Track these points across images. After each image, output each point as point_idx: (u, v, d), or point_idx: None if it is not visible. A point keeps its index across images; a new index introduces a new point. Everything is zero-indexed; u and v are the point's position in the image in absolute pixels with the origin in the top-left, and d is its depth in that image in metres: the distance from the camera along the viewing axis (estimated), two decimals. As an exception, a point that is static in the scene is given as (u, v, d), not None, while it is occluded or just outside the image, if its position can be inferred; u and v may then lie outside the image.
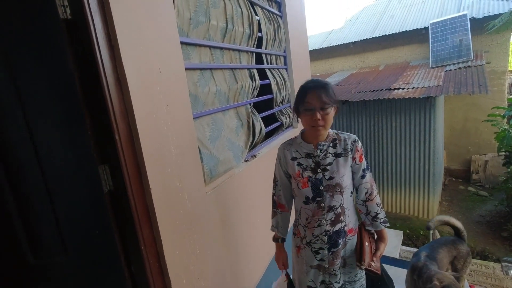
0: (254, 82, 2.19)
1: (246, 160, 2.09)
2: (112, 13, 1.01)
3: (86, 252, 1.15)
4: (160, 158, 1.20)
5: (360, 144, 1.36)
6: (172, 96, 1.28)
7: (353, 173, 1.36)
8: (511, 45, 6.67)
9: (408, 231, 5.59)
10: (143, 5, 1.14)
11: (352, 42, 8.60)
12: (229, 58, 1.93)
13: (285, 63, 2.90)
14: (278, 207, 1.49)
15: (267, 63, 2.51)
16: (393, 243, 4.53)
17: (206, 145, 1.63)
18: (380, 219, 1.38)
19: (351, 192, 1.38)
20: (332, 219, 1.34)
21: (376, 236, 1.43)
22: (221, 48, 1.83)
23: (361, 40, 8.41)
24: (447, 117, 7.34)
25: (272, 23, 2.54)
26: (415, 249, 4.54)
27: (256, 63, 2.31)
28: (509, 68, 6.99)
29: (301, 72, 3.20)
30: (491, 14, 6.54)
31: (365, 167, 1.37)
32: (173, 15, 1.32)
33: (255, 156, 2.19)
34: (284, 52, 2.88)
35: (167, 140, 1.24)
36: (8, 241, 1.15)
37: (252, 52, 2.20)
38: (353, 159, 1.34)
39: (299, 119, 1.36)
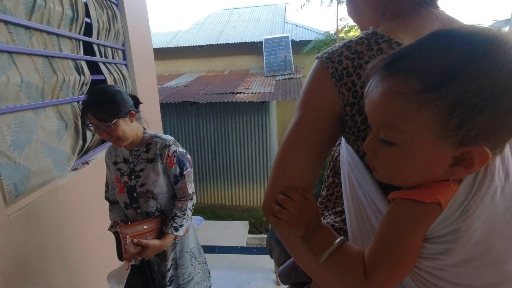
0: (82, 76, 1.84)
1: (75, 169, 1.74)
2: None
3: None
4: None
5: (173, 149, 1.28)
6: None
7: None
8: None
9: (253, 220, 6.33)
10: None
11: (199, 45, 8.88)
12: (42, 42, 1.53)
13: (124, 58, 2.62)
14: (115, 203, 1.44)
15: (101, 56, 2.18)
16: (241, 233, 5.02)
17: (6, 153, 1.22)
18: (175, 222, 1.29)
19: (173, 195, 1.37)
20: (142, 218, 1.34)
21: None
22: (28, 28, 1.42)
23: (207, 44, 8.82)
24: (279, 118, 8.82)
25: (105, 10, 2.23)
26: (261, 235, 5.21)
27: (85, 55, 1.95)
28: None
29: (144, 69, 2.99)
30: (304, 39, 8.35)
31: (177, 174, 1.30)
32: None
33: (87, 163, 1.85)
34: (123, 45, 2.59)
35: None
36: None
37: (78, 39, 1.84)
38: (163, 164, 1.29)
39: None
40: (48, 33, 1.57)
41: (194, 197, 1.37)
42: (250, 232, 5.48)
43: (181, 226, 1.31)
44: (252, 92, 6.28)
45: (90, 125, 1.17)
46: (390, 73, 0.39)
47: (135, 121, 1.27)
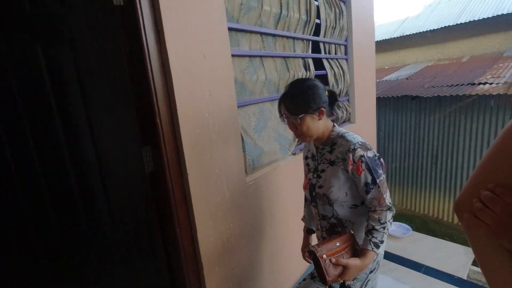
0: (308, 72, 2.08)
1: (294, 153, 2.01)
2: (160, 1, 1.02)
3: (128, 225, 1.23)
4: (199, 144, 1.20)
5: (359, 154, 1.11)
6: (215, 82, 1.26)
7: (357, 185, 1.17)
8: None
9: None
10: (191, -10, 1.14)
11: (430, 30, 7.63)
12: (281, 46, 1.85)
13: (346, 53, 2.69)
14: (306, 199, 1.44)
15: (325, 53, 2.35)
16: (461, 260, 3.98)
17: (250, 134, 1.60)
18: (374, 237, 1.11)
19: (356, 206, 1.19)
20: (327, 227, 1.25)
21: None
22: (274, 35, 1.76)
23: (441, 27, 7.40)
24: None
25: (333, 9, 2.37)
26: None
27: (312, 52, 2.18)
28: None
29: (364, 63, 2.94)
30: None
31: (368, 182, 1.11)
32: (223, 3, 1.29)
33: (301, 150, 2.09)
34: (345, 41, 2.67)
35: (208, 126, 1.24)
36: (67, 209, 1.29)
37: (308, 40, 2.08)
38: (347, 171, 1.13)
39: None
40: (287, 37, 1.88)
41: (393, 207, 1.16)
42: (475, 263, 4.24)
43: (382, 242, 1.12)
44: (505, 82, 4.67)
45: (282, 115, 1.18)
46: None
47: (326, 118, 1.18)
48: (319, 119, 1.14)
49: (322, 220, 1.25)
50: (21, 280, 1.48)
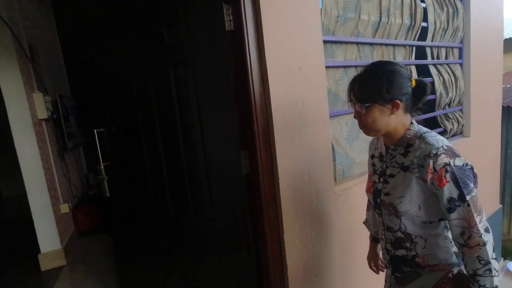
0: (410, 80, 1.93)
1: (389, 167, 1.89)
2: (263, 22, 1.16)
3: (227, 218, 1.40)
4: (291, 151, 1.29)
5: (442, 161, 0.88)
6: (309, 93, 1.33)
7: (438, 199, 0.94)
8: None
9: None
10: (290, 11, 1.25)
11: None
12: (380, 54, 1.78)
13: (460, 57, 2.36)
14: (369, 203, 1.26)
15: (432, 58, 2.14)
16: None
17: (341, 144, 1.60)
18: (480, 284, 0.87)
19: (430, 222, 0.97)
20: (392, 240, 1.06)
21: None
22: (371, 44, 1.71)
23: None
24: None
25: (444, 9, 2.13)
26: None
27: (416, 58, 2.01)
28: None
29: (486, 67, 2.51)
30: None
31: (454, 197, 0.88)
32: (319, 16, 1.36)
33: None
34: (460, 43, 2.35)
35: (300, 135, 1.31)
36: (181, 204, 1.57)
37: (411, 46, 1.93)
38: (424, 180, 0.91)
39: None
40: (386, 45, 1.80)
41: (490, 235, 0.89)
42: None
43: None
44: None
45: (351, 100, 1.01)
46: None
47: (403, 113, 0.96)
48: (391, 113, 0.93)
49: (386, 231, 1.07)
50: (146, 259, 1.86)
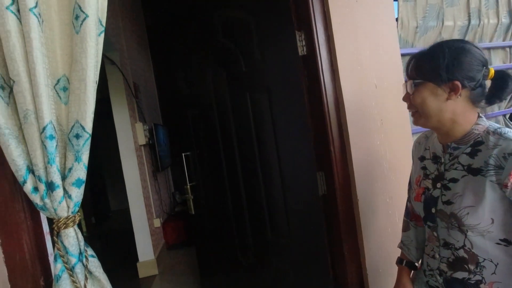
0: None
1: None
2: (335, 44, 1.18)
3: (303, 239, 1.40)
4: (370, 171, 1.23)
5: None
6: (387, 111, 1.27)
7: None
8: None
9: None
10: (364, 28, 1.24)
11: None
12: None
13: None
14: (412, 218, 1.02)
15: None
16: None
17: (428, 163, 1.45)
18: None
19: (507, 242, 0.74)
20: (450, 260, 0.84)
21: None
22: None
23: None
24: None
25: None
26: None
27: (521, 60, 1.73)
28: None
29: None
30: None
31: None
32: (395, 29, 1.31)
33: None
34: None
35: (379, 154, 1.25)
36: (258, 223, 1.63)
37: (511, 47, 1.67)
38: (504, 186, 0.71)
39: None
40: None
41: None
42: None
43: None
44: None
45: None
46: None
47: (467, 102, 0.78)
48: (448, 98, 0.77)
49: (443, 247, 0.86)
50: (227, 274, 1.96)
